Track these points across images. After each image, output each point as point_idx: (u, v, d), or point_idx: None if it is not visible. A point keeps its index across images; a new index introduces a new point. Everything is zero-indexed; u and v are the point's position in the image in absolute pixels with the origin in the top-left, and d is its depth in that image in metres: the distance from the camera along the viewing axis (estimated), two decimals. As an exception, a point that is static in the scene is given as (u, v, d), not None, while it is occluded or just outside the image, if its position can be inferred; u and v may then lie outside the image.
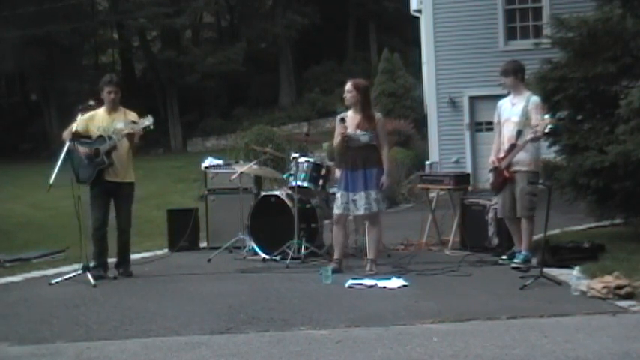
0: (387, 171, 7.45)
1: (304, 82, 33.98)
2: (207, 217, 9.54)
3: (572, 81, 8.46)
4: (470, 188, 9.90)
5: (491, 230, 8.23)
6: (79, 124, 7.53)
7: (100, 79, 7.94)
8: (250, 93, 34.17)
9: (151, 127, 7.51)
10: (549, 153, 9.00)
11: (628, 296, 5.74)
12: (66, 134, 7.45)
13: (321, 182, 8.27)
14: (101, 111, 7.69)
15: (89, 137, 7.57)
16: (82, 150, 7.47)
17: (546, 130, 7.10)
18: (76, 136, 7.46)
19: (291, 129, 28.29)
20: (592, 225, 9.78)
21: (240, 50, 32.31)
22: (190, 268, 8.05)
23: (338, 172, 7.66)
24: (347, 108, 7.65)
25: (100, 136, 7.50)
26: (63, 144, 7.45)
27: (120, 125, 7.50)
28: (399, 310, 5.69)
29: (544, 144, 8.10)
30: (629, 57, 8.23)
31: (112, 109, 7.65)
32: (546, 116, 7.23)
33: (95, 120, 7.63)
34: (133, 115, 7.68)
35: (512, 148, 7.37)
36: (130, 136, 7.44)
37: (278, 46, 33.97)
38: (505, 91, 7.77)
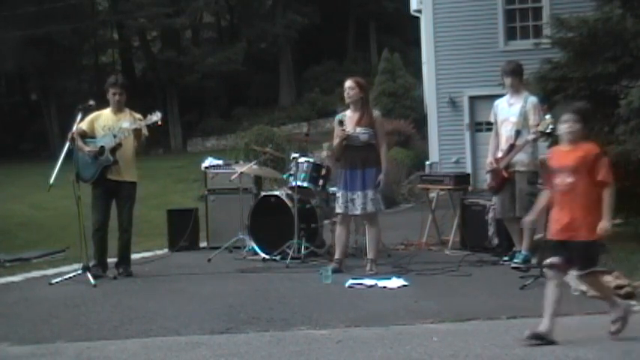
0: (385, 170, 7.46)
1: (304, 82, 33.97)
2: (207, 217, 9.54)
3: (572, 81, 8.45)
4: (470, 188, 9.90)
5: (491, 230, 8.22)
6: (85, 123, 7.57)
7: (105, 80, 7.99)
8: (250, 93, 34.17)
9: (159, 123, 7.54)
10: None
11: (628, 296, 5.73)
12: (70, 134, 7.45)
13: (321, 182, 8.27)
14: (107, 111, 7.73)
15: (94, 137, 7.61)
16: (87, 148, 7.49)
17: (548, 130, 7.09)
18: (81, 136, 7.49)
19: (291, 129, 28.27)
20: (592, 225, 9.76)
21: (240, 50, 32.30)
22: (190, 268, 8.05)
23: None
24: (347, 107, 7.66)
25: (105, 135, 7.54)
26: (65, 143, 7.48)
27: (126, 124, 7.54)
28: (399, 310, 5.69)
29: (543, 144, 8.09)
30: (629, 57, 8.22)
31: (118, 110, 7.68)
32: (547, 116, 7.23)
33: (101, 119, 7.66)
34: (138, 116, 7.70)
35: (511, 148, 7.37)
36: (137, 132, 7.46)
37: (278, 46, 33.95)
38: (505, 91, 7.77)
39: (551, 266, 4.74)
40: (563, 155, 4.84)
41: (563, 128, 4.81)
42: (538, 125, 7.12)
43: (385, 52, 23.55)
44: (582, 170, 4.69)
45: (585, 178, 4.68)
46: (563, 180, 4.75)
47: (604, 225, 4.63)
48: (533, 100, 7.45)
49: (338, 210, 7.46)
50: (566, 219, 4.70)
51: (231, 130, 28.66)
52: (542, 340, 4.58)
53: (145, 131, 7.63)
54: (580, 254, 4.70)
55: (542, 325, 4.64)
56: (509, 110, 7.48)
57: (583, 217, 4.68)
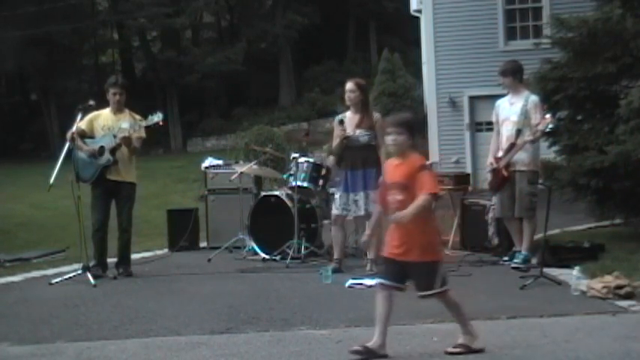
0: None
1: (304, 82, 33.94)
2: (207, 217, 9.54)
3: (572, 81, 8.46)
4: (470, 188, 9.90)
5: (491, 230, 8.22)
6: (84, 123, 7.57)
7: (106, 80, 8.01)
8: (250, 93, 34.15)
9: (161, 123, 7.53)
10: (549, 153, 8.99)
11: (628, 296, 5.74)
12: (69, 134, 7.45)
13: (321, 182, 8.27)
14: (106, 111, 7.73)
15: (92, 137, 7.61)
16: (87, 148, 7.49)
17: (547, 129, 7.10)
18: (81, 135, 7.49)
19: (291, 129, 28.25)
20: (592, 225, 9.78)
21: (240, 50, 32.28)
22: (190, 268, 8.05)
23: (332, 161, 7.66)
24: (347, 108, 7.67)
25: (105, 135, 7.54)
26: (65, 143, 7.48)
27: (125, 125, 7.53)
28: (399, 310, 5.68)
29: (544, 144, 8.09)
30: (629, 57, 8.23)
31: (117, 110, 7.68)
32: (547, 115, 7.24)
33: (100, 119, 7.66)
34: (138, 117, 7.69)
35: (512, 147, 7.37)
36: (125, 140, 7.42)
37: (278, 46, 33.94)
38: (505, 91, 7.77)
39: (381, 286, 4.54)
40: (393, 170, 4.55)
41: (388, 140, 4.55)
42: (539, 124, 7.13)
43: (385, 52, 23.49)
44: (410, 186, 4.40)
45: (415, 194, 4.39)
46: (394, 197, 4.45)
47: (399, 215, 4.32)
48: (534, 99, 7.45)
49: (334, 211, 7.47)
50: (398, 238, 4.43)
51: (231, 130, 28.63)
52: (370, 354, 4.37)
53: (142, 134, 7.61)
54: (417, 275, 4.44)
55: (373, 341, 4.43)
56: (511, 109, 7.48)
57: (415, 237, 4.39)
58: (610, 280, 5.89)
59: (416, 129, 4.61)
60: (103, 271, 7.51)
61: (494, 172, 7.58)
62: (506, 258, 7.62)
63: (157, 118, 7.51)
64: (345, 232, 7.74)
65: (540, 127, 7.10)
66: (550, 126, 7.09)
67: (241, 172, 8.81)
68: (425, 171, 4.54)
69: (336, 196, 7.48)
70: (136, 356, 4.72)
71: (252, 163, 9.05)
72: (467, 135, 17.58)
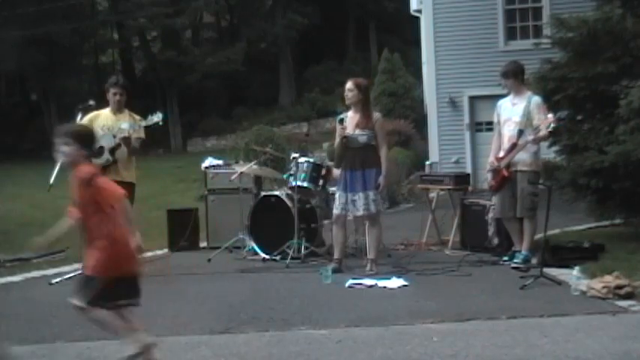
0: (385, 171, 7.45)
1: (304, 82, 33.97)
2: (207, 217, 9.54)
3: (572, 81, 8.46)
4: (470, 188, 9.90)
5: (491, 230, 8.22)
6: (83, 122, 7.57)
7: (106, 80, 8.01)
8: (250, 93, 34.16)
9: (160, 123, 7.54)
10: (549, 153, 8.99)
11: (628, 296, 5.74)
12: None
13: (321, 182, 8.27)
14: (106, 111, 7.73)
15: None
16: None
17: (550, 129, 7.10)
18: None
19: (291, 129, 28.26)
20: (592, 225, 9.78)
21: (240, 50, 32.31)
22: (190, 268, 8.05)
23: (336, 172, 7.69)
24: (347, 108, 7.67)
25: (105, 135, 7.54)
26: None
27: (125, 125, 7.52)
28: (399, 310, 5.69)
29: (544, 144, 8.09)
30: (629, 57, 8.23)
31: (117, 110, 7.68)
32: (550, 115, 7.24)
33: (100, 119, 7.66)
34: (138, 118, 7.69)
35: (513, 147, 7.36)
36: (125, 140, 7.42)
37: (278, 46, 33.97)
38: (505, 91, 7.77)
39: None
40: (72, 184, 4.22)
41: (57, 152, 4.24)
42: (541, 125, 7.13)
43: (385, 52, 23.50)
44: (87, 203, 4.18)
45: (92, 210, 4.21)
46: (72, 215, 4.24)
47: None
48: (537, 99, 7.45)
49: (335, 211, 7.46)
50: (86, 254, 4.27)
51: (231, 130, 28.67)
52: None
53: (141, 134, 7.62)
54: (79, 286, 4.32)
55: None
56: (513, 110, 7.48)
57: (91, 251, 4.29)
58: (610, 280, 5.89)
59: (87, 140, 4.32)
60: (103, 271, 7.50)
61: (495, 171, 7.58)
62: (506, 258, 7.62)
63: (157, 118, 7.52)
64: (346, 231, 7.74)
65: (542, 128, 7.09)
66: (552, 125, 7.08)
67: (241, 172, 8.81)
68: (96, 180, 4.23)
69: (336, 195, 7.48)
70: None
71: (252, 163, 9.05)
72: (467, 135, 17.59)
